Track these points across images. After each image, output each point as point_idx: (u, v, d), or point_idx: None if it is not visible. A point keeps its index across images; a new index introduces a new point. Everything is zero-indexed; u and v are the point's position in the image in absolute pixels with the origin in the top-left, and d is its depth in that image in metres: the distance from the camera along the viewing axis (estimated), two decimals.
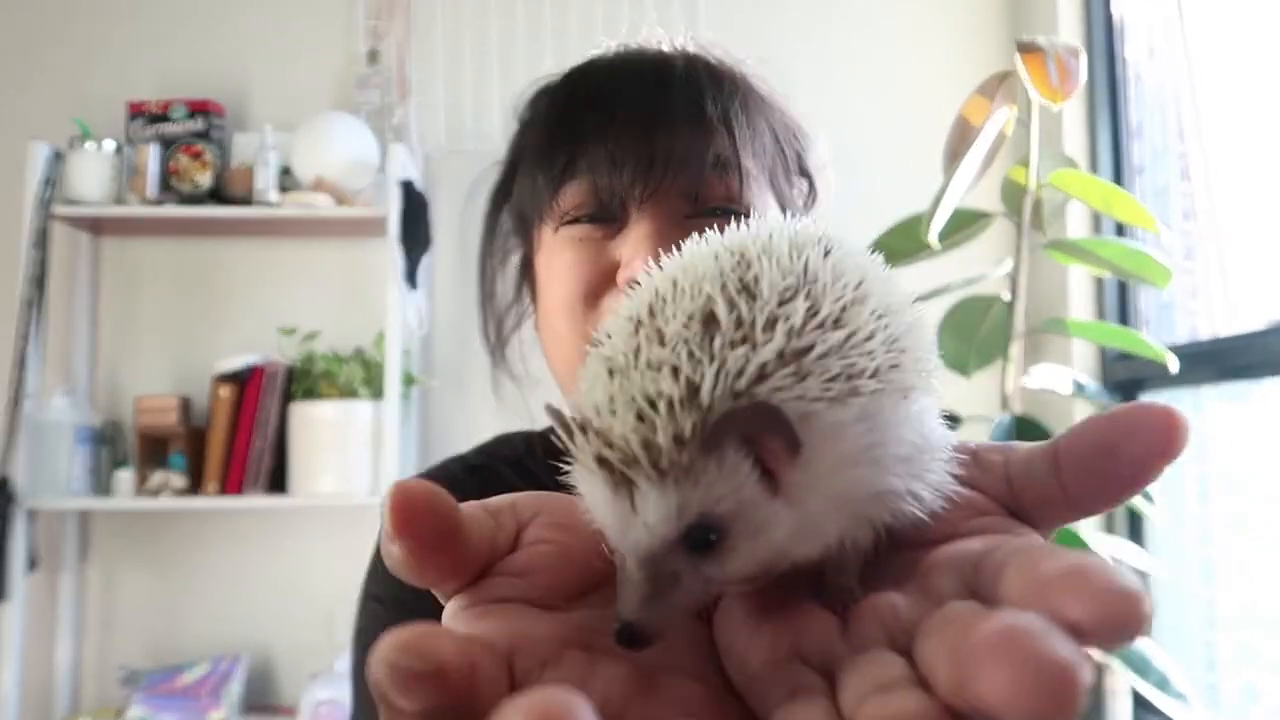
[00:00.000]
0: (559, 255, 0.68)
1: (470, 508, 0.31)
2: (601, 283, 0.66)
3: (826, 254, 0.31)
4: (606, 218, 0.67)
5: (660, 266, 0.32)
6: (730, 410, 0.26)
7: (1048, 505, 0.29)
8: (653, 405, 0.26)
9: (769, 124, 0.70)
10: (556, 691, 0.21)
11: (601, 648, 0.28)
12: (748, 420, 0.26)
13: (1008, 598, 0.22)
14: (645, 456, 0.26)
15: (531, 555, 0.31)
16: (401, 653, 0.23)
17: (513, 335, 0.80)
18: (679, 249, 0.38)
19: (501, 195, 0.77)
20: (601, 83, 0.69)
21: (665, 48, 0.74)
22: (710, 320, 0.28)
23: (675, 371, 0.27)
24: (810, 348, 0.27)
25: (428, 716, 0.23)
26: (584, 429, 0.28)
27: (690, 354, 0.27)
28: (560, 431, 0.29)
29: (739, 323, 0.27)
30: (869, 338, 0.28)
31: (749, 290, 0.28)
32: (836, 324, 0.28)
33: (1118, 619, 0.20)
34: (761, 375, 0.27)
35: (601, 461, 0.27)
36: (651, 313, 0.29)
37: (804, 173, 0.75)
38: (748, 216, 0.67)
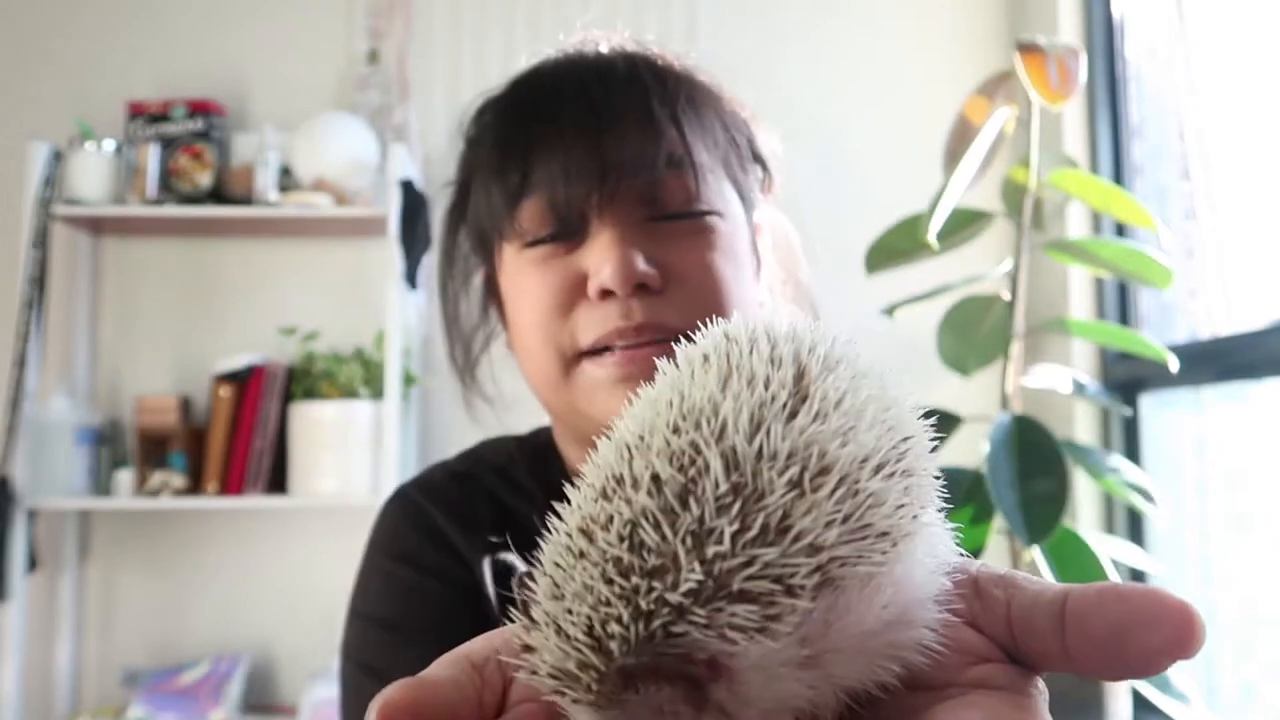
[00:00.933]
0: (524, 275, 0.67)
1: (452, 669, 0.30)
2: (571, 296, 0.65)
3: (793, 415, 0.29)
4: (568, 233, 0.66)
5: (625, 416, 0.32)
6: (633, 664, 0.27)
7: (1048, 659, 0.29)
8: (584, 637, 0.28)
9: (718, 115, 0.70)
10: None
11: None
12: (651, 670, 0.27)
13: None
14: (573, 682, 0.28)
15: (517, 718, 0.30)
16: None
17: (482, 355, 0.78)
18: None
19: (457, 215, 0.76)
20: (545, 93, 0.68)
21: (604, 48, 0.73)
22: (635, 542, 0.28)
23: (596, 605, 0.28)
24: (742, 567, 0.27)
25: None
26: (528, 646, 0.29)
27: (610, 581, 0.28)
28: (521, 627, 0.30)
29: (664, 541, 0.28)
30: (829, 524, 0.28)
31: (682, 499, 0.28)
32: (781, 528, 0.27)
33: None
34: (680, 611, 0.27)
35: (548, 674, 0.29)
36: (605, 494, 0.30)
37: (757, 158, 0.74)
38: (708, 215, 0.66)
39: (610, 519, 0.29)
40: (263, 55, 2.51)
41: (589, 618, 0.28)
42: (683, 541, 0.27)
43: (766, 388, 0.30)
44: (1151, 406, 2.14)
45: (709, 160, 0.67)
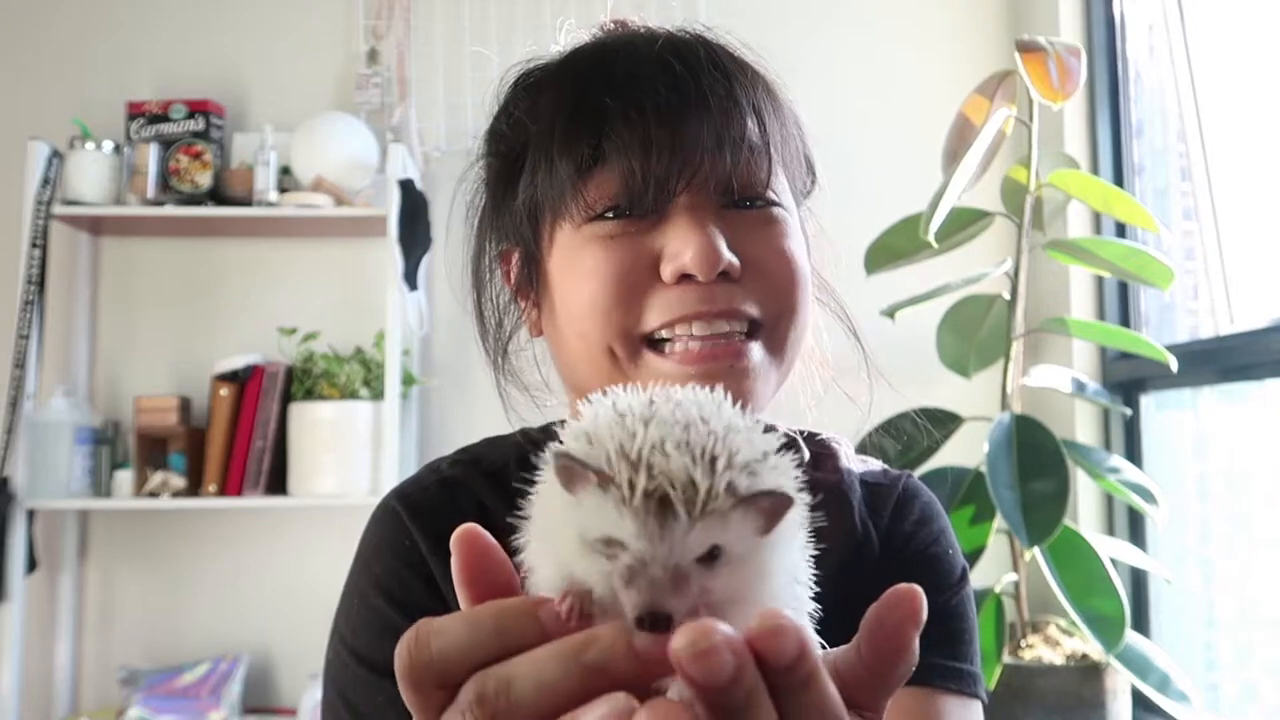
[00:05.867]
0: (586, 252, 0.63)
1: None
2: (641, 277, 0.62)
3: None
4: (638, 211, 0.63)
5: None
6: (763, 490, 0.35)
7: (860, 682, 0.36)
8: (702, 456, 0.34)
9: (784, 111, 0.69)
10: None
11: None
12: (769, 494, 0.35)
13: None
14: (693, 495, 0.34)
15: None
16: None
17: (510, 340, 0.75)
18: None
19: (502, 189, 0.70)
20: (619, 67, 0.65)
21: (662, 27, 0.71)
22: (684, 431, 0.35)
23: (700, 447, 0.35)
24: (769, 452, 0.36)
25: None
26: (635, 463, 0.34)
27: (699, 436, 0.35)
28: (575, 459, 0.35)
29: (706, 437, 0.35)
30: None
31: (689, 427, 0.36)
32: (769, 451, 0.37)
33: None
34: (762, 458, 0.36)
35: (648, 492, 0.34)
36: (627, 431, 0.36)
37: (806, 160, 0.73)
38: (778, 205, 0.65)
39: (653, 422, 0.35)
40: (262, 55, 2.51)
41: (709, 448, 0.35)
42: (719, 439, 0.35)
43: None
44: (1151, 406, 2.14)
45: (780, 153, 0.66)
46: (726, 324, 0.62)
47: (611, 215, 0.63)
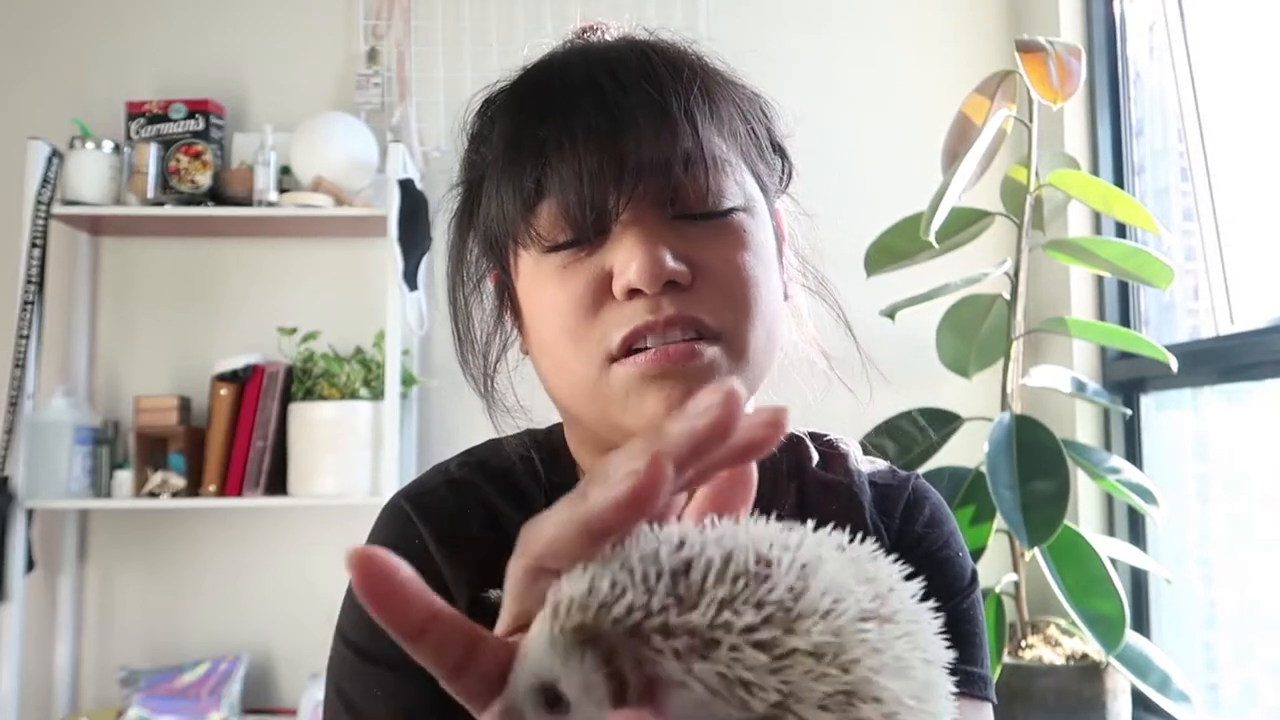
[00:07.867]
0: (546, 285, 0.65)
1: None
2: (596, 298, 0.63)
3: (868, 619, 0.33)
4: (586, 238, 0.63)
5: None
6: (585, 625, 0.31)
7: None
8: (592, 593, 0.31)
9: (735, 105, 0.68)
10: None
11: None
12: (606, 646, 0.31)
13: None
14: (555, 619, 0.32)
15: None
16: None
17: (499, 364, 0.75)
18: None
19: (465, 219, 0.72)
20: (555, 90, 0.65)
21: (611, 34, 0.71)
22: (682, 568, 0.32)
23: (617, 579, 0.31)
24: (731, 649, 0.31)
25: None
26: None
27: (644, 578, 0.32)
28: None
29: (703, 587, 0.31)
30: (817, 680, 0.31)
31: (737, 575, 0.32)
32: (786, 652, 0.31)
33: None
34: (666, 631, 0.31)
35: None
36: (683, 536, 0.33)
37: (776, 148, 0.72)
38: (732, 212, 0.65)
39: (681, 544, 0.32)
40: (262, 55, 2.50)
41: (610, 581, 0.31)
42: (715, 595, 0.31)
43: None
44: (1151, 406, 2.14)
45: (727, 153, 0.65)
46: (680, 332, 0.61)
47: (569, 245, 0.64)
